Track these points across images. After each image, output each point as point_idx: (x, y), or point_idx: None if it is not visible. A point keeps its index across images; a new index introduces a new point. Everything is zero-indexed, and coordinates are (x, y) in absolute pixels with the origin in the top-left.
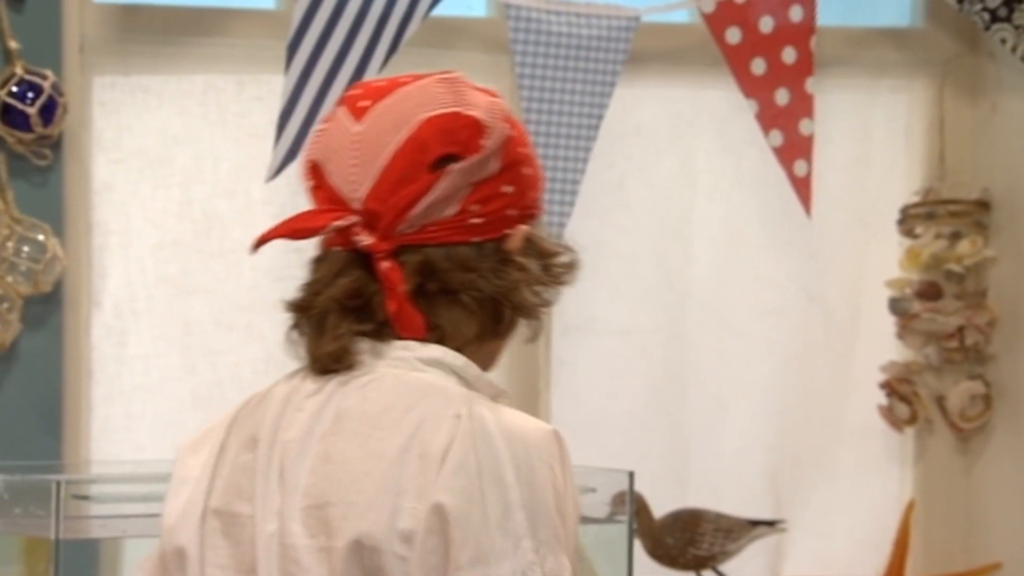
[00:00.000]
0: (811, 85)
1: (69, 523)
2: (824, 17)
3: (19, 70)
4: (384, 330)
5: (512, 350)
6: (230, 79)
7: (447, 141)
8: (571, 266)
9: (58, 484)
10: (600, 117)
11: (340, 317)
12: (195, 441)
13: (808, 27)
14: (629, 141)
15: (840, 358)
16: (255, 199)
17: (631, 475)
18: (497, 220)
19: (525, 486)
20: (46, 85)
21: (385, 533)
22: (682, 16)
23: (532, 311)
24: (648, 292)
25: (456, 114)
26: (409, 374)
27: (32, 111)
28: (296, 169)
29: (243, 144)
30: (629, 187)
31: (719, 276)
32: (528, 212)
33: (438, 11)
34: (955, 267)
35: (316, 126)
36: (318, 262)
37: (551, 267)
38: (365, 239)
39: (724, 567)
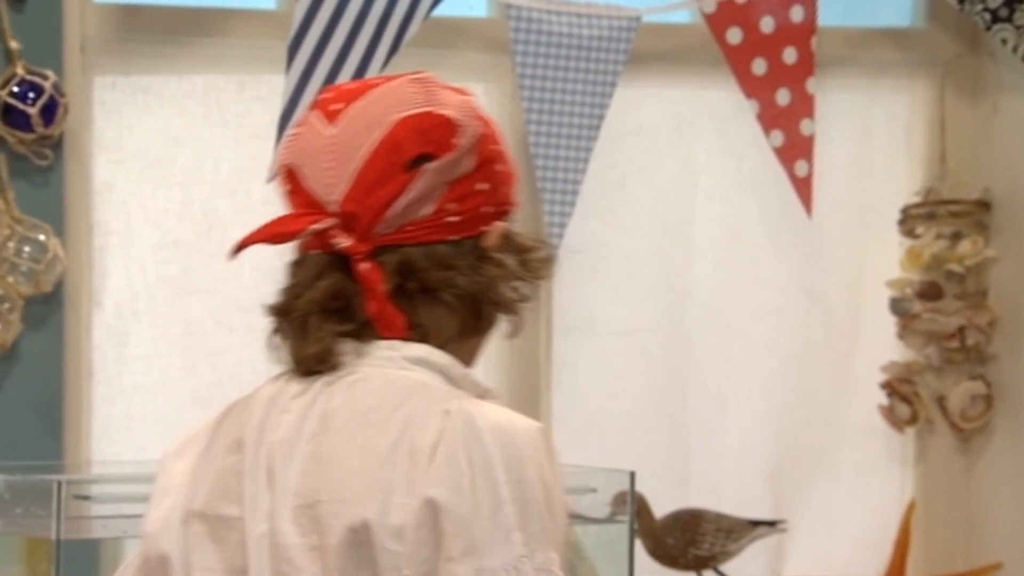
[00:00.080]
0: (812, 85)
1: (70, 523)
2: (825, 17)
3: (20, 70)
4: (366, 330)
5: (513, 350)
6: (231, 79)
7: (421, 141)
8: (548, 260)
9: (59, 484)
10: (601, 117)
11: (322, 319)
12: (179, 448)
13: (809, 27)
14: (630, 141)
15: (841, 358)
16: (256, 199)
17: (632, 475)
18: (473, 218)
19: (514, 481)
20: (47, 85)
21: (377, 529)
22: (683, 16)
23: (511, 306)
24: (649, 292)
25: (429, 113)
26: (395, 372)
27: (33, 111)
28: None
29: (244, 144)
30: (630, 187)
31: (720, 276)
32: (503, 208)
33: (439, 11)
34: (956, 267)
35: (289, 131)
36: (297, 266)
37: (528, 262)
38: (343, 241)
39: (725, 567)
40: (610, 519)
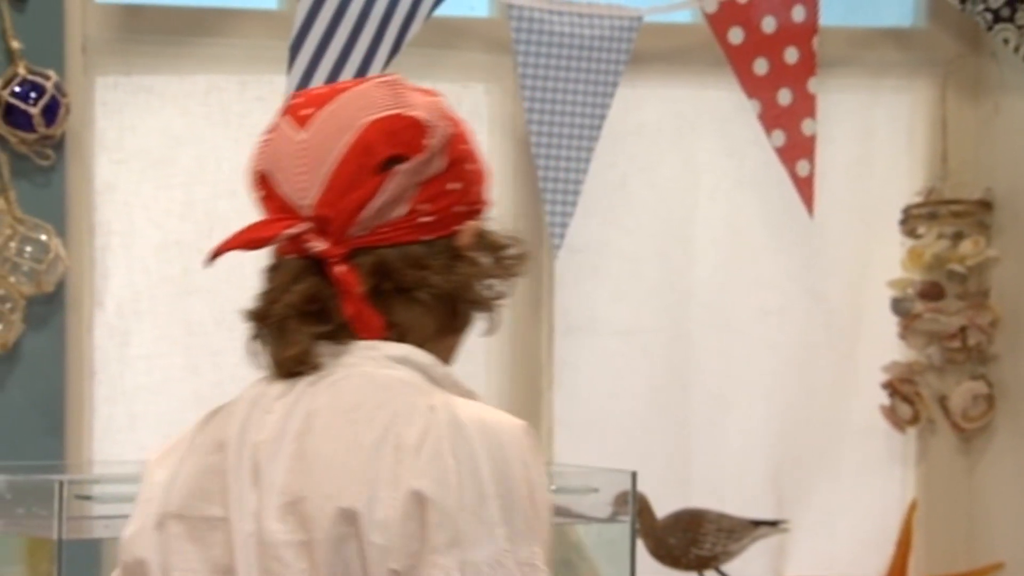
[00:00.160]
0: (813, 85)
1: (72, 523)
2: (826, 17)
3: (22, 70)
4: (344, 332)
5: (514, 350)
6: (232, 79)
7: (392, 143)
8: (522, 257)
9: (61, 484)
10: (602, 117)
11: (299, 322)
12: (160, 457)
13: (810, 27)
14: (631, 141)
15: (842, 358)
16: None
17: (633, 475)
18: (446, 217)
19: (499, 477)
20: (48, 85)
21: (363, 522)
22: (684, 16)
23: (487, 304)
24: (650, 292)
25: (398, 116)
26: (378, 371)
27: (35, 111)
28: None
29: (245, 144)
30: (631, 187)
31: (721, 276)
32: (476, 207)
33: (440, 11)
34: (957, 267)
35: (260, 136)
36: (273, 271)
37: (502, 260)
38: (318, 245)
39: (726, 567)
40: (611, 519)
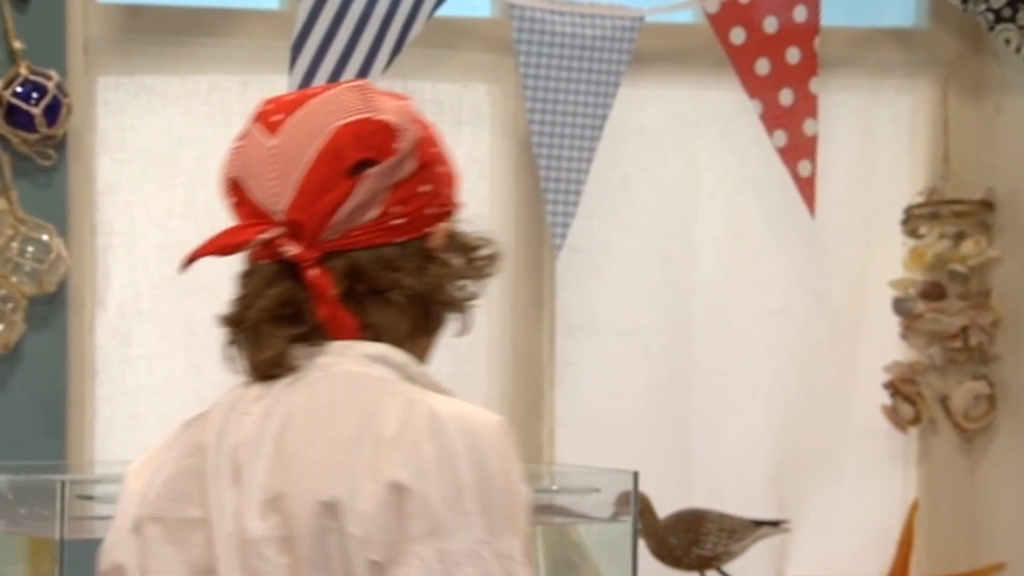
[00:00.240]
0: (815, 85)
1: (73, 523)
2: (828, 17)
3: (23, 70)
4: (318, 334)
5: (516, 350)
6: (234, 79)
7: (362, 147)
8: (493, 258)
9: (62, 484)
10: (604, 117)
11: (274, 326)
12: (139, 467)
13: (812, 27)
14: (633, 141)
15: (844, 358)
16: None
17: (635, 475)
18: (418, 219)
19: (477, 469)
20: (50, 85)
21: (343, 515)
22: (686, 16)
23: (459, 305)
24: (652, 292)
25: (368, 120)
26: (355, 369)
27: (36, 111)
28: None
29: None
30: (633, 187)
31: (723, 276)
32: (446, 209)
33: (442, 11)
34: (959, 267)
35: (231, 143)
36: (247, 276)
37: (474, 260)
38: (292, 249)
39: (728, 567)
40: (613, 519)
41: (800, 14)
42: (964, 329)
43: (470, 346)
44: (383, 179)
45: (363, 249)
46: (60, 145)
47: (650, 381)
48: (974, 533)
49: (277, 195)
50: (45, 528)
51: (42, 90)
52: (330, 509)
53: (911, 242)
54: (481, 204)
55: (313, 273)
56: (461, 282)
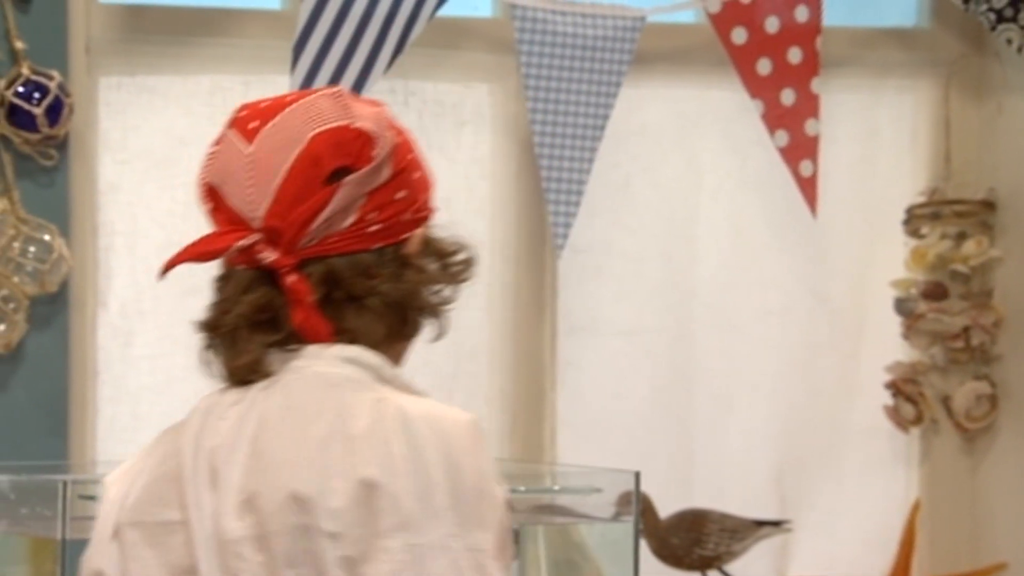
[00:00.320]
0: (817, 85)
1: (75, 523)
2: (830, 17)
3: (25, 70)
4: (294, 338)
5: (518, 350)
6: (236, 80)
7: (339, 154)
8: (468, 263)
9: (64, 484)
10: (606, 117)
11: (251, 332)
12: (116, 476)
13: (814, 27)
14: (634, 141)
15: (846, 358)
16: None
17: (637, 475)
18: (394, 225)
19: (446, 466)
20: (52, 85)
21: (316, 512)
22: (688, 16)
23: (434, 310)
24: (653, 292)
25: (345, 127)
26: (328, 370)
27: (38, 111)
28: None
29: None
30: (634, 187)
31: (724, 276)
32: (422, 215)
33: (444, 11)
34: (961, 267)
35: (207, 149)
36: (224, 281)
37: (449, 266)
38: (269, 256)
39: (729, 567)
40: (615, 519)
41: (802, 14)
42: (966, 329)
43: (472, 346)
44: (360, 186)
45: (340, 255)
46: (62, 145)
47: (652, 381)
48: (976, 533)
49: (254, 203)
50: (47, 528)
51: (44, 90)
52: (302, 506)
53: (913, 242)
54: (483, 204)
55: (291, 280)
56: (437, 287)
